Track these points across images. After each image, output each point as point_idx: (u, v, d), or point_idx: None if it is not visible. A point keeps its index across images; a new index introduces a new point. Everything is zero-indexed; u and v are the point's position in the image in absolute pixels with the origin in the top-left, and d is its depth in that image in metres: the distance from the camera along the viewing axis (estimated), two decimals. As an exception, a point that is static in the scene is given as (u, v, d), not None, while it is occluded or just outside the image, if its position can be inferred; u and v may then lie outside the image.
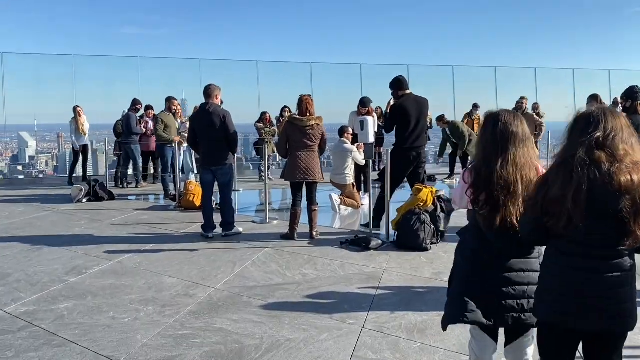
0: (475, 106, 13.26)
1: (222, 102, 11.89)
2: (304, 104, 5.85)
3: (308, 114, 5.84)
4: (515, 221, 2.29)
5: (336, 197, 7.73)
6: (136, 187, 10.78)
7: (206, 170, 6.24)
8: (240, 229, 6.43)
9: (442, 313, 2.65)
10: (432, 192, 5.87)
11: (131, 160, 10.82)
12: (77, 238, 6.30)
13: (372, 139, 5.72)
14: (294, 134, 5.83)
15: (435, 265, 5.07)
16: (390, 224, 5.94)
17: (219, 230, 6.32)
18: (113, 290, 4.43)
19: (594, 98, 8.01)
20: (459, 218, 7.14)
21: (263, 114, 12.10)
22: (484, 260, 2.42)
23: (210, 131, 6.05)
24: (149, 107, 10.98)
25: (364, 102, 8.24)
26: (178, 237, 6.36)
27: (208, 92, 6.17)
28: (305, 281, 4.63)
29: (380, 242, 5.64)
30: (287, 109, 11.47)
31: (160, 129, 8.93)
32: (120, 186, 10.76)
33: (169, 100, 9.15)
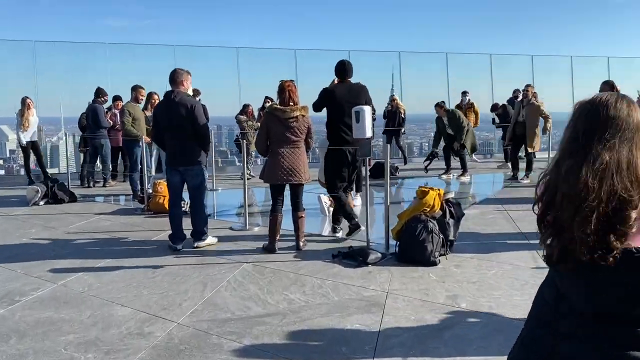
0: (464, 93, 12.44)
1: (199, 93, 11.08)
2: (286, 91, 4.94)
3: (291, 104, 4.94)
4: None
5: (325, 199, 6.82)
6: (104, 186, 9.77)
7: (173, 170, 5.30)
8: (215, 239, 5.50)
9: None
10: (439, 194, 4.99)
11: (98, 157, 9.81)
12: (22, 251, 5.33)
13: (369, 132, 4.80)
14: (275, 127, 4.93)
15: (449, 285, 4.19)
16: (390, 233, 5.06)
17: (191, 239, 5.38)
18: (47, 328, 3.49)
19: (608, 85, 7.22)
20: (472, 223, 6.37)
21: (245, 106, 11.15)
22: (557, 325, 1.45)
23: (176, 124, 5.11)
24: (117, 98, 9.96)
25: None
26: (141, 249, 5.42)
27: (174, 77, 5.21)
28: (290, 310, 3.73)
29: (379, 255, 4.76)
30: (270, 100, 10.51)
31: (127, 122, 7.93)
32: (86, 185, 9.75)
33: (135, 89, 8.14)
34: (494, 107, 12.37)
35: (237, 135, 11.34)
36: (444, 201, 5.03)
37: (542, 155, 10.90)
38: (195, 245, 5.33)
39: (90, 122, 9.48)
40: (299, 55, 13.58)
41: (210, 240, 5.43)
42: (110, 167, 10.09)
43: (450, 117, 9.96)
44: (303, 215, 5.17)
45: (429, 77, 16.91)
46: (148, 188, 8.15)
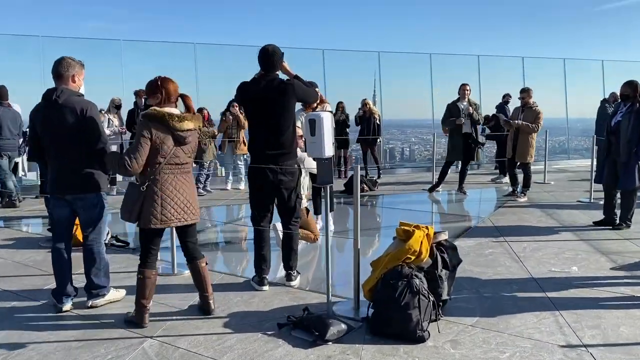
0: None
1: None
2: (170, 91, 3.43)
3: (191, 111, 3.49)
4: None
5: (281, 227, 5.37)
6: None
7: (58, 200, 3.78)
8: (121, 293, 4.02)
9: None
10: (428, 235, 3.57)
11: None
12: None
13: (329, 150, 3.36)
14: (163, 142, 3.35)
15: (445, 382, 2.77)
16: (361, 290, 3.62)
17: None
18: None
19: (631, 86, 5.95)
20: (468, 262, 4.75)
21: (200, 110, 9.65)
22: None
23: (61, 135, 3.61)
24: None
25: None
26: (16, 308, 3.89)
27: (58, 70, 3.71)
28: None
29: (343, 327, 3.30)
30: (236, 106, 9.01)
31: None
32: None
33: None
34: (487, 120, 10.91)
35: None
36: (434, 245, 3.61)
37: (536, 167, 9.63)
38: (90, 304, 3.82)
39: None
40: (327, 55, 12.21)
41: (112, 295, 3.93)
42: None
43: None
44: (205, 264, 3.68)
45: (460, 80, 15.67)
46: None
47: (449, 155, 8.67)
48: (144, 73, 13.81)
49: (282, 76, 4.10)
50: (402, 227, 3.63)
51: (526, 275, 4.48)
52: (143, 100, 9.17)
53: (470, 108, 8.19)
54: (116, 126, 9.07)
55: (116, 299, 3.95)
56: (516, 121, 7.76)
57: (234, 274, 4.62)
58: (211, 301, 3.64)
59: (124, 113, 9.36)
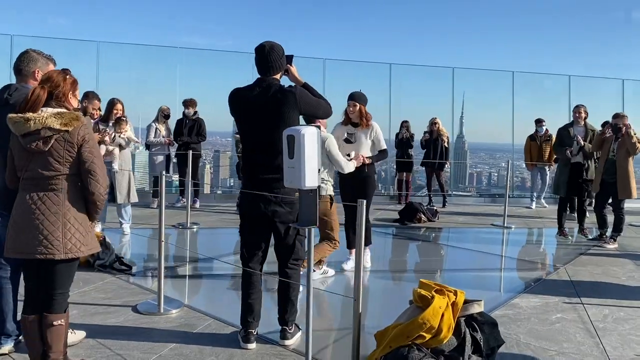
0: (540, 122, 9.77)
1: (194, 104, 9.08)
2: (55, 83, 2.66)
3: (29, 105, 2.57)
4: None
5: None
6: None
7: (4, 218, 3.16)
8: (79, 335, 3.33)
9: None
10: (454, 304, 2.58)
11: None
12: None
13: (310, 179, 2.43)
14: (16, 150, 2.67)
15: None
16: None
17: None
18: None
19: None
20: (525, 330, 3.66)
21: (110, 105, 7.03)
22: None
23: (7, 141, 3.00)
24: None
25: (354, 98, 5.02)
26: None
27: (17, 65, 3.12)
28: None
29: None
30: (119, 103, 6.72)
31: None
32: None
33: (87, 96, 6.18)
34: None
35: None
36: (462, 319, 2.61)
37: (631, 204, 8.11)
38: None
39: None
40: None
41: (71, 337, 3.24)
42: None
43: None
44: (60, 323, 2.71)
45: (493, 98, 14.23)
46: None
47: (555, 188, 7.36)
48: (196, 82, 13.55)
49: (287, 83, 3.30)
50: (420, 289, 2.66)
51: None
52: (192, 110, 8.74)
53: (580, 140, 6.86)
54: (163, 136, 8.67)
55: (73, 343, 3.26)
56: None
57: (225, 320, 3.81)
58: None
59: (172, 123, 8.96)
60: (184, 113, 8.84)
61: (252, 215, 3.21)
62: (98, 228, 6.32)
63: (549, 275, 5.38)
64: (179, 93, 10.22)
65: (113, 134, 6.45)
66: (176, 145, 8.87)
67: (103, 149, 6.29)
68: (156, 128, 8.66)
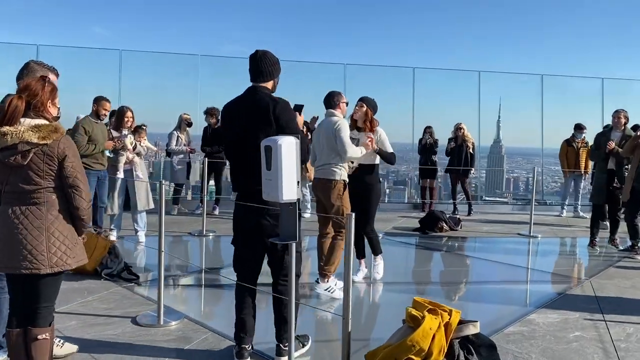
0: (580, 127, 9.33)
1: (214, 113, 9.04)
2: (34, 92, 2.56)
3: (7, 117, 2.47)
4: None
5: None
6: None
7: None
8: (71, 348, 3.28)
9: None
10: (447, 325, 2.41)
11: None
12: None
13: (288, 192, 2.26)
14: None
15: None
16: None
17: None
18: None
19: None
20: (538, 349, 3.35)
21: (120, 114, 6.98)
22: None
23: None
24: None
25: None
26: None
27: (20, 78, 3.10)
28: None
29: None
30: (129, 110, 6.67)
31: (82, 142, 5.98)
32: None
33: (97, 101, 6.22)
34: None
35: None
36: (457, 341, 2.43)
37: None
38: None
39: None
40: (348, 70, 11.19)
41: (57, 351, 3.20)
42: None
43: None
44: (45, 337, 2.62)
45: (523, 103, 13.80)
46: (106, 230, 6.28)
47: (593, 196, 7.00)
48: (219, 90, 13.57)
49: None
50: (412, 308, 2.50)
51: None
52: (213, 119, 8.72)
53: (612, 144, 6.53)
54: (184, 144, 8.70)
55: (62, 355, 3.22)
56: None
57: (222, 333, 3.71)
58: None
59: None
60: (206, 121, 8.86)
61: (244, 229, 3.10)
62: (113, 236, 6.37)
63: (572, 288, 5.10)
64: (199, 101, 10.26)
65: (134, 142, 6.48)
66: (199, 153, 8.92)
67: (123, 158, 6.33)
68: (178, 136, 8.69)
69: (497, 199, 14.53)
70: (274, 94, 3.15)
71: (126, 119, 6.56)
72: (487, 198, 14.07)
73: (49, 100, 2.60)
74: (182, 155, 8.76)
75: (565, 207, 9.78)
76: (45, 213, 2.54)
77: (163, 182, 4.11)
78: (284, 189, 2.27)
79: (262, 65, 3.06)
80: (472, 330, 2.49)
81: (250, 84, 3.15)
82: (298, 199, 2.39)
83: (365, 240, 5.02)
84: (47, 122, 2.53)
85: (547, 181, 15.86)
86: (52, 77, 3.20)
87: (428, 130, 9.77)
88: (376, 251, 5.03)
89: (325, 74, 11.51)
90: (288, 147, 2.29)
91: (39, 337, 2.60)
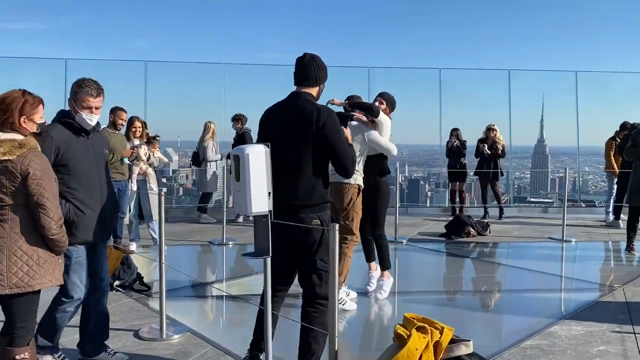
0: (625, 127, 8.75)
1: (243, 120, 9.05)
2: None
3: None
4: None
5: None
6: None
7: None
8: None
9: None
10: (437, 344, 2.24)
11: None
12: None
13: (257, 204, 2.15)
14: None
15: None
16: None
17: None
18: None
19: None
20: None
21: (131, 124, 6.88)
22: None
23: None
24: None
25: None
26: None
27: None
28: None
29: None
30: (137, 120, 6.68)
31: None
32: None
33: (114, 111, 6.27)
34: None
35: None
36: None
37: None
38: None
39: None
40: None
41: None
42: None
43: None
44: (23, 356, 2.57)
45: (554, 99, 13.23)
46: (125, 245, 6.30)
47: (630, 197, 6.48)
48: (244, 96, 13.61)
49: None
50: (400, 326, 2.33)
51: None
52: (239, 125, 8.70)
53: None
54: (216, 152, 8.78)
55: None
56: None
57: (223, 348, 3.61)
58: None
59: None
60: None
61: (275, 244, 2.84)
62: (133, 247, 6.40)
63: (603, 297, 4.78)
64: (225, 108, 10.31)
65: (147, 153, 6.52)
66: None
67: (137, 169, 6.36)
68: (213, 144, 8.75)
69: (542, 200, 14.00)
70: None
71: (134, 129, 6.56)
72: (532, 199, 13.57)
73: (25, 116, 2.55)
74: (216, 163, 8.82)
75: (610, 210, 9.14)
76: (9, 231, 2.47)
77: (163, 190, 4.05)
78: (252, 200, 2.15)
79: (310, 69, 2.85)
80: (464, 350, 2.30)
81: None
82: (270, 211, 2.26)
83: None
84: (12, 137, 2.47)
85: (596, 180, 15.20)
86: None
87: (454, 132, 9.47)
88: (384, 265, 4.71)
89: (348, 77, 11.36)
90: (256, 156, 2.16)
91: (17, 357, 2.55)
